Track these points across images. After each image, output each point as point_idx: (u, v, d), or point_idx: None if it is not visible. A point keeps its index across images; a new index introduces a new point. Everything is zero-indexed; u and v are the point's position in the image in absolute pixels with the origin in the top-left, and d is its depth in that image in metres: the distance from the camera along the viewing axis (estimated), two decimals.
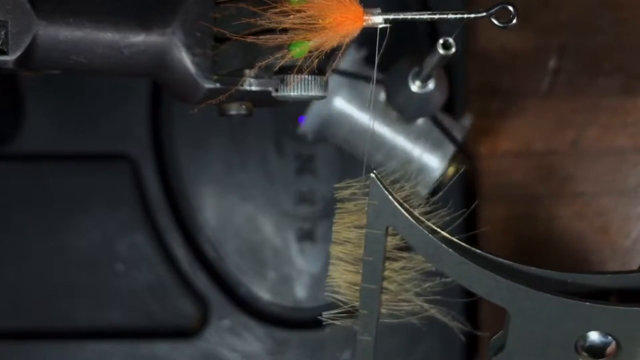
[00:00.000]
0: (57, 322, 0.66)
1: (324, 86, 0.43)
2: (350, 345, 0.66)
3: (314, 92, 0.43)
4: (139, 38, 0.43)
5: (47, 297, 0.66)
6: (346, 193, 0.43)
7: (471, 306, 0.67)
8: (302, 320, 0.66)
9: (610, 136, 0.68)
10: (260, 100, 0.46)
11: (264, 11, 0.41)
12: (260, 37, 0.42)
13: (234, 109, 0.46)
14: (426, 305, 0.44)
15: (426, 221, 0.42)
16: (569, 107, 0.68)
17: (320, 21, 0.40)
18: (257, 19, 0.41)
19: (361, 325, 0.44)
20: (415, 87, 0.54)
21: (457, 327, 0.45)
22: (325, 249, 0.66)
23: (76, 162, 0.66)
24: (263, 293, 0.66)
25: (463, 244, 0.42)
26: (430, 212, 0.43)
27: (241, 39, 0.42)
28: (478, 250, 0.43)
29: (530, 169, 0.68)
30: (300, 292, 0.66)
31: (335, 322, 0.45)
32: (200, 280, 0.66)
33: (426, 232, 0.41)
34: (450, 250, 0.41)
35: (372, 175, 0.42)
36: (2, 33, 0.42)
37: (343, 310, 0.44)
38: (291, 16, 0.41)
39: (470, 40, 0.67)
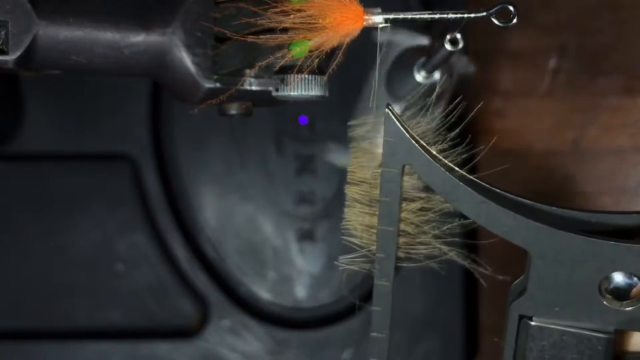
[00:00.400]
0: (57, 322, 0.66)
1: (324, 86, 0.43)
2: (350, 345, 0.66)
3: (314, 91, 0.43)
4: (139, 38, 0.43)
5: (47, 297, 0.66)
6: (361, 131, 0.42)
7: (471, 307, 0.67)
8: (302, 320, 0.66)
9: (610, 136, 0.68)
10: (261, 100, 0.46)
11: (264, 11, 0.41)
12: (261, 36, 0.42)
13: (234, 109, 0.46)
14: (445, 248, 0.43)
15: (443, 159, 0.40)
16: (569, 107, 0.68)
17: (321, 21, 0.40)
18: (257, 18, 0.41)
19: (378, 270, 0.42)
20: (420, 77, 0.53)
21: (477, 271, 0.45)
22: (325, 249, 0.66)
23: (76, 162, 0.66)
24: (263, 293, 0.66)
25: (482, 182, 0.41)
26: (448, 149, 0.41)
27: (241, 38, 0.42)
28: (498, 189, 0.41)
29: (530, 169, 0.68)
30: (300, 292, 0.66)
31: (352, 267, 0.43)
32: (200, 280, 0.66)
33: (444, 170, 0.40)
34: (469, 188, 0.40)
35: (387, 110, 0.40)
36: (2, 33, 0.42)
37: (359, 254, 0.43)
38: (291, 16, 0.41)
39: (470, 40, 0.67)
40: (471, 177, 0.41)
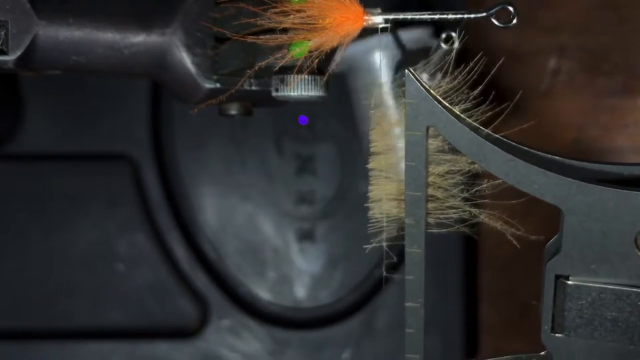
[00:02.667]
0: (57, 322, 0.66)
1: (324, 86, 0.43)
2: (350, 345, 0.66)
3: (314, 92, 0.43)
4: (139, 38, 0.43)
5: (47, 297, 0.66)
6: (380, 96, 0.41)
7: (471, 306, 0.67)
8: (302, 320, 0.66)
9: (610, 136, 0.68)
10: (260, 100, 0.46)
11: (264, 11, 0.41)
12: (261, 37, 0.42)
13: (234, 109, 0.46)
14: (475, 211, 0.42)
15: (467, 119, 0.39)
16: (569, 107, 0.68)
17: (321, 21, 0.40)
18: (257, 19, 0.41)
19: (408, 237, 0.41)
20: (426, 74, 0.53)
21: (510, 233, 0.44)
22: (325, 249, 0.66)
23: (76, 162, 0.66)
24: (263, 293, 0.66)
25: (509, 140, 0.40)
26: (471, 108, 0.40)
27: (241, 39, 0.42)
28: (525, 147, 0.40)
29: None
30: (300, 292, 0.66)
31: (381, 240, 0.43)
32: (200, 280, 0.66)
33: (469, 129, 0.39)
34: (497, 147, 0.39)
35: (408, 71, 0.39)
36: (2, 33, 0.42)
37: (389, 225, 0.42)
38: (291, 16, 0.41)
39: (470, 40, 0.67)
40: (497, 135, 0.40)
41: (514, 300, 0.68)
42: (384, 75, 0.54)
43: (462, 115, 0.40)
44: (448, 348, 0.65)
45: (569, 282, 0.40)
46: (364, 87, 0.56)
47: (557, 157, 0.41)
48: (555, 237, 0.41)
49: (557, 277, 0.41)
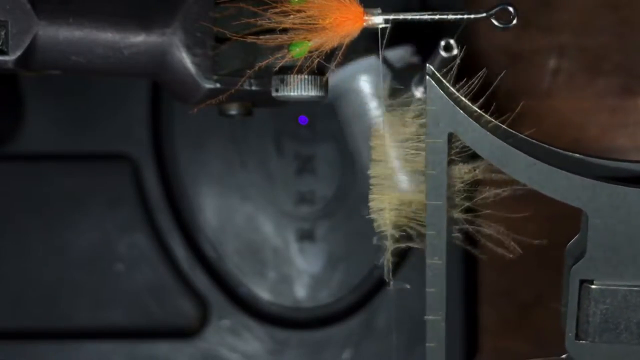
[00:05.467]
0: (57, 322, 0.66)
1: (324, 86, 0.43)
2: (350, 345, 0.66)
3: (314, 92, 0.43)
4: (139, 38, 0.43)
5: (47, 297, 0.66)
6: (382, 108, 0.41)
7: (471, 307, 0.67)
8: (302, 320, 0.66)
9: (610, 136, 0.68)
10: (260, 100, 0.46)
11: (264, 11, 0.41)
12: (261, 37, 0.42)
13: (234, 109, 0.46)
14: (476, 221, 0.42)
15: (493, 120, 0.39)
16: (569, 107, 0.68)
17: (321, 21, 0.40)
18: (257, 19, 0.41)
19: (430, 248, 0.40)
20: (419, 92, 0.53)
21: (511, 238, 0.43)
22: (325, 249, 0.66)
23: (76, 162, 0.66)
24: (263, 293, 0.66)
25: (530, 138, 0.39)
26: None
27: (241, 39, 0.42)
28: (547, 145, 0.39)
29: None
30: (300, 292, 0.66)
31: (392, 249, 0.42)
32: (200, 280, 0.66)
33: (492, 135, 0.38)
34: (520, 152, 0.38)
35: (429, 77, 0.38)
36: (2, 33, 0.42)
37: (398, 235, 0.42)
38: (291, 16, 0.41)
39: (470, 40, 0.67)
40: (520, 134, 0.39)
41: (514, 301, 0.68)
42: (375, 98, 0.54)
43: (487, 116, 0.39)
44: (448, 348, 0.65)
45: (594, 287, 0.40)
46: (354, 114, 0.56)
47: (577, 155, 0.40)
48: (575, 239, 0.41)
49: (582, 281, 0.40)
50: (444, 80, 0.39)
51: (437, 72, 0.51)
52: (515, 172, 0.39)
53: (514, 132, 0.39)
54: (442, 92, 0.38)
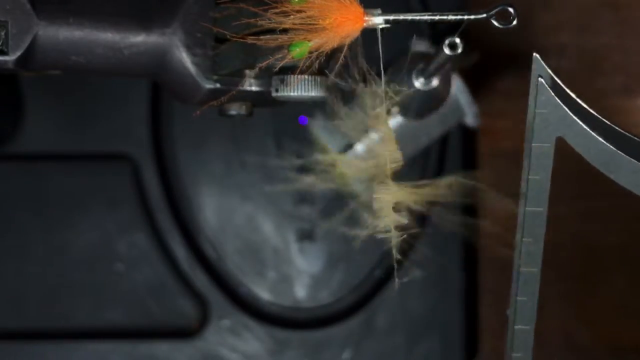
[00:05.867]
0: (57, 322, 0.66)
1: (324, 87, 0.43)
2: (350, 345, 0.66)
3: (314, 92, 0.43)
4: (139, 38, 0.43)
5: (47, 297, 0.66)
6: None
7: (471, 307, 0.67)
8: (302, 320, 0.66)
9: None
10: (261, 100, 0.46)
11: (264, 11, 0.41)
12: (261, 37, 0.42)
13: (234, 109, 0.46)
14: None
15: (606, 121, 0.37)
16: None
17: (321, 22, 0.40)
18: (257, 19, 0.41)
19: (525, 255, 0.39)
20: (418, 83, 0.53)
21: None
22: (325, 249, 0.66)
23: (76, 162, 0.66)
24: (263, 293, 0.66)
25: (634, 136, 0.37)
26: None
27: (241, 39, 0.42)
28: None
29: None
30: (300, 292, 0.66)
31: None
32: (200, 280, 0.66)
33: (601, 139, 0.36)
34: (629, 157, 0.36)
35: (541, 81, 0.37)
36: (2, 33, 0.42)
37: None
38: (291, 16, 0.41)
39: (470, 40, 0.67)
40: (625, 132, 0.37)
41: None
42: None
43: (598, 116, 0.37)
44: (448, 348, 0.65)
45: None
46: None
47: None
48: None
49: None
50: (559, 82, 0.37)
51: (438, 71, 0.51)
52: (622, 178, 0.37)
53: (630, 135, 0.37)
54: (554, 95, 0.37)
